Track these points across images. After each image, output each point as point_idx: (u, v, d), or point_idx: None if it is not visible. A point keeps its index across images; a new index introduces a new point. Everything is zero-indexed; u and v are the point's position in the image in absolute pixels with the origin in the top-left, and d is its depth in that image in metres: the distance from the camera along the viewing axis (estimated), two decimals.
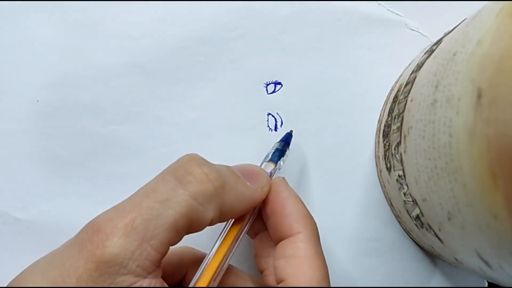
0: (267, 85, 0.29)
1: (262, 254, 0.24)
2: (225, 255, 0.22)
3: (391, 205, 0.27)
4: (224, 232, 0.23)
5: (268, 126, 0.29)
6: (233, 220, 0.23)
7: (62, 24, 0.29)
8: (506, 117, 0.14)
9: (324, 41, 0.29)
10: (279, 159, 0.26)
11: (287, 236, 0.22)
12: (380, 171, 0.27)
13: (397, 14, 0.29)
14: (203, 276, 0.21)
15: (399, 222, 0.28)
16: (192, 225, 0.20)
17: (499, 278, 0.19)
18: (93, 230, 0.19)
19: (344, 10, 0.29)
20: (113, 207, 0.20)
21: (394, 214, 0.28)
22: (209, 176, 0.20)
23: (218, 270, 0.21)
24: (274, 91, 0.29)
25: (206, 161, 0.21)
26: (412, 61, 0.27)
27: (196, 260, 0.24)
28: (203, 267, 0.21)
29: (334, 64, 0.29)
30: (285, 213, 0.22)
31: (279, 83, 0.29)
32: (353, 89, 0.29)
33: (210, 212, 0.20)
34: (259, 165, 0.25)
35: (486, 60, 0.15)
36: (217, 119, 0.29)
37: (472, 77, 0.15)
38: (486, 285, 0.28)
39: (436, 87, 0.18)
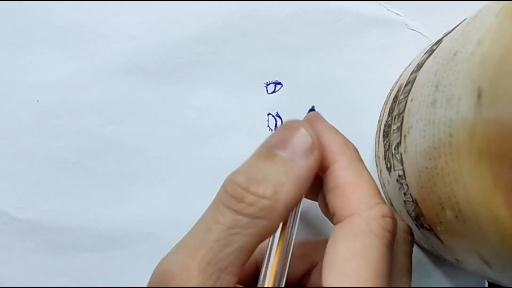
0: (267, 85, 0.29)
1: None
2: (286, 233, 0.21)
3: (391, 205, 0.27)
4: None
5: (268, 126, 0.29)
6: None
7: (62, 24, 0.29)
8: (506, 117, 0.14)
9: (324, 41, 0.29)
10: None
11: (327, 169, 0.21)
12: (380, 171, 0.27)
13: (397, 14, 0.29)
14: (272, 269, 0.20)
15: None
16: (263, 238, 0.20)
17: (500, 279, 0.19)
18: (167, 278, 0.18)
19: (344, 10, 0.29)
20: (177, 248, 0.20)
21: None
22: (258, 193, 0.19)
23: (283, 254, 0.21)
24: (274, 91, 0.29)
25: (247, 176, 0.20)
26: (412, 61, 0.27)
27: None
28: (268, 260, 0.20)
29: (334, 64, 0.29)
30: (321, 146, 0.22)
31: (279, 83, 0.29)
32: (353, 89, 0.29)
33: (277, 219, 0.20)
34: None
35: (486, 60, 0.15)
36: (217, 119, 0.29)
37: (472, 77, 0.15)
38: (487, 285, 0.28)
39: (436, 87, 0.18)
